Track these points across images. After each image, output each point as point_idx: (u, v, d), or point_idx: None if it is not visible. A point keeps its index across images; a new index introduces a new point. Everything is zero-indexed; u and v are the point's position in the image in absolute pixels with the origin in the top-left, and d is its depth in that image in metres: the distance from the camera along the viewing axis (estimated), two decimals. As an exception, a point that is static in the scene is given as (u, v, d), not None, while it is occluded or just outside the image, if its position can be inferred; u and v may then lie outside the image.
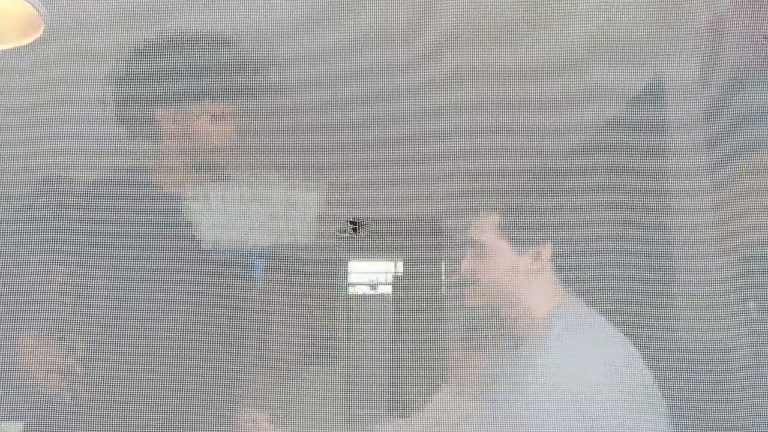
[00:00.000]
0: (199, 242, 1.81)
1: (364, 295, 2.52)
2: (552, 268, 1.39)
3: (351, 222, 1.71)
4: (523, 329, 1.38)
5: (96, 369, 1.66)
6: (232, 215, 1.92)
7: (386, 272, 2.52)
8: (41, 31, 1.46)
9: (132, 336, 1.72)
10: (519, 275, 1.40)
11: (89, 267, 1.76)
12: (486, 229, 1.44)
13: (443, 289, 2.42)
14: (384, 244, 2.38)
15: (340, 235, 1.72)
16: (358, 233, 1.70)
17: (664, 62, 1.96)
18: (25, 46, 1.48)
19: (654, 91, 1.96)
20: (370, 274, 2.50)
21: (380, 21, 1.94)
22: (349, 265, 2.55)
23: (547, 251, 1.40)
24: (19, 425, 1.46)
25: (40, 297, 1.69)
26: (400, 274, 2.43)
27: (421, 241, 2.31)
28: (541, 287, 1.39)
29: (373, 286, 2.46)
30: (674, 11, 1.86)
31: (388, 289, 2.50)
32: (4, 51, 1.49)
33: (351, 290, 2.55)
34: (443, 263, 2.39)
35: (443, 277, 2.40)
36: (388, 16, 1.92)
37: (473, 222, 1.47)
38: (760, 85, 1.66)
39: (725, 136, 1.78)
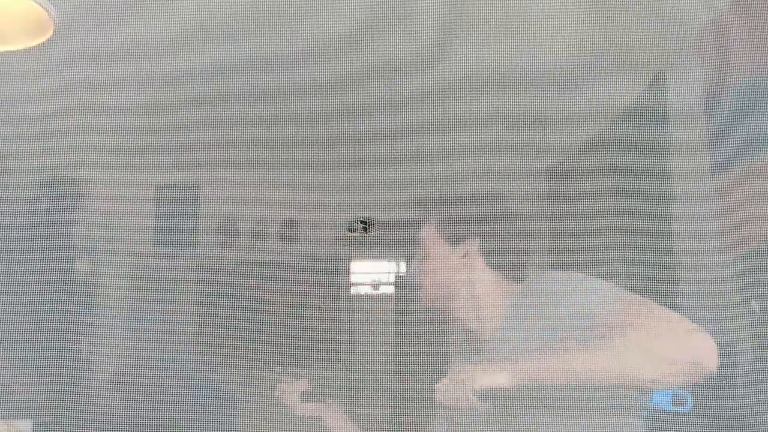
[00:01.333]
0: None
1: (366, 295, 2.53)
2: (482, 258, 1.49)
3: (362, 221, 1.73)
4: (478, 322, 1.47)
5: (105, 367, 1.67)
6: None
7: (388, 272, 2.53)
8: (51, 33, 1.46)
9: (140, 335, 1.73)
10: (454, 268, 1.49)
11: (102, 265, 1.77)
12: (427, 231, 1.53)
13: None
14: (386, 245, 2.38)
15: (351, 234, 1.73)
16: (369, 232, 1.72)
17: (667, 63, 1.98)
18: (35, 47, 1.49)
19: (657, 92, 1.97)
20: (372, 275, 2.51)
21: (386, 24, 1.95)
22: (351, 266, 2.56)
23: (474, 244, 1.48)
24: (28, 423, 1.47)
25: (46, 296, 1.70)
26: (402, 275, 2.43)
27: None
28: (485, 280, 1.50)
29: (376, 286, 2.47)
30: (676, 12, 1.87)
31: (390, 289, 2.51)
32: (15, 52, 1.49)
33: (353, 290, 2.56)
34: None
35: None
36: (395, 19, 1.94)
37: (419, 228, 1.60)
38: (763, 86, 1.67)
39: (729, 136, 1.79)
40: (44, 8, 1.40)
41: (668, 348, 1.26)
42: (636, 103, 1.99)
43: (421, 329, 2.13)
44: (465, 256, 1.48)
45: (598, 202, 1.88)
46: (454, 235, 1.50)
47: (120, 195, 1.94)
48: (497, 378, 1.28)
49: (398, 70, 2.04)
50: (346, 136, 2.14)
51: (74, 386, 1.68)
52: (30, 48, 1.49)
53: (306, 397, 1.57)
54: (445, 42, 1.98)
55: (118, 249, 1.94)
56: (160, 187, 2.08)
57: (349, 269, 2.50)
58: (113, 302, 1.89)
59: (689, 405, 1.32)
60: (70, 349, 1.71)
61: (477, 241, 1.48)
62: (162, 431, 1.59)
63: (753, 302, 1.56)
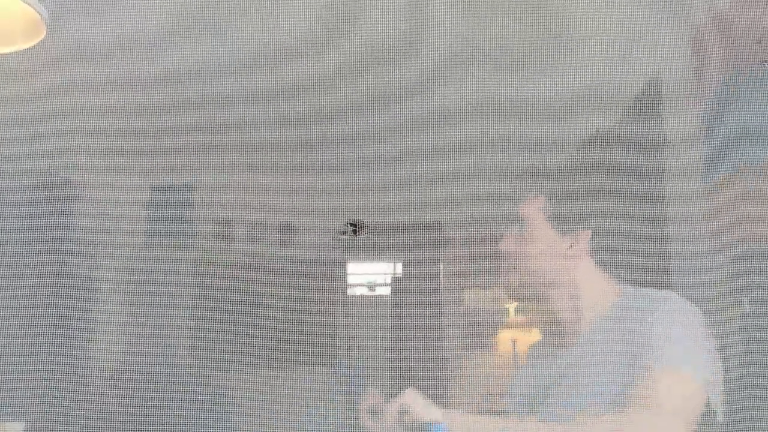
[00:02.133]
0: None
1: (362, 296, 2.53)
2: (590, 257, 1.41)
3: (351, 224, 1.73)
4: (574, 317, 1.39)
5: (99, 369, 1.67)
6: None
7: (385, 274, 2.53)
8: (44, 35, 1.46)
9: (131, 338, 1.72)
10: (557, 257, 1.40)
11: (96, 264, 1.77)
12: (531, 207, 1.43)
13: (441, 290, 2.42)
14: (383, 246, 2.38)
15: (341, 236, 1.73)
16: (359, 235, 1.72)
17: (662, 63, 1.97)
18: (27, 49, 1.49)
19: (651, 93, 1.97)
20: (369, 276, 2.51)
21: (381, 23, 1.95)
22: (348, 267, 2.56)
23: (584, 237, 1.40)
24: (21, 425, 1.47)
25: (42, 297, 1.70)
26: (399, 276, 2.44)
27: (421, 242, 2.32)
28: (593, 279, 1.41)
29: (372, 287, 2.47)
30: (671, 13, 1.87)
31: (387, 291, 2.51)
32: (7, 54, 1.49)
33: (350, 291, 2.56)
34: (441, 265, 2.39)
35: (441, 278, 2.41)
36: (390, 19, 1.94)
37: (520, 201, 1.48)
38: (756, 87, 1.67)
39: (723, 138, 1.79)
40: (37, 11, 1.40)
41: None
42: (631, 106, 1.99)
43: (416, 330, 2.13)
44: (571, 246, 1.41)
45: (593, 203, 1.87)
46: (563, 223, 1.42)
47: (115, 194, 1.94)
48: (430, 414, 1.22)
49: (396, 75, 2.04)
50: (344, 138, 2.14)
51: (68, 388, 1.68)
52: (22, 50, 1.49)
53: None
54: (443, 48, 1.98)
55: (112, 249, 1.94)
56: (156, 186, 2.08)
57: (345, 271, 2.50)
58: (108, 303, 1.89)
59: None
60: (64, 351, 1.71)
61: (588, 234, 1.41)
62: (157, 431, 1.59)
63: (745, 302, 1.56)
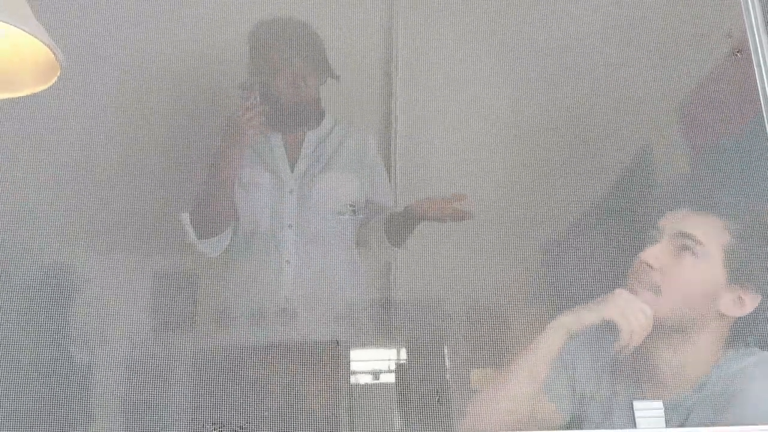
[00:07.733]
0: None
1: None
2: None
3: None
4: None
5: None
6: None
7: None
8: (58, 75, 1.42)
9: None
10: (709, 301, 1.29)
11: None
12: (710, 236, 1.33)
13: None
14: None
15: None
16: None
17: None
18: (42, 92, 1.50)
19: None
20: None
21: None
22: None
23: (754, 301, 1.30)
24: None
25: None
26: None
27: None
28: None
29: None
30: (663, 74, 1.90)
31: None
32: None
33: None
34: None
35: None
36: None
37: (693, 218, 1.37)
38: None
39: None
40: (52, 51, 1.41)
41: None
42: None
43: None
44: (739, 299, 1.27)
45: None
46: (739, 273, 1.28)
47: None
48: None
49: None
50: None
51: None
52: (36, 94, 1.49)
53: None
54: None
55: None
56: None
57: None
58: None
59: None
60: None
61: (758, 300, 1.28)
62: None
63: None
